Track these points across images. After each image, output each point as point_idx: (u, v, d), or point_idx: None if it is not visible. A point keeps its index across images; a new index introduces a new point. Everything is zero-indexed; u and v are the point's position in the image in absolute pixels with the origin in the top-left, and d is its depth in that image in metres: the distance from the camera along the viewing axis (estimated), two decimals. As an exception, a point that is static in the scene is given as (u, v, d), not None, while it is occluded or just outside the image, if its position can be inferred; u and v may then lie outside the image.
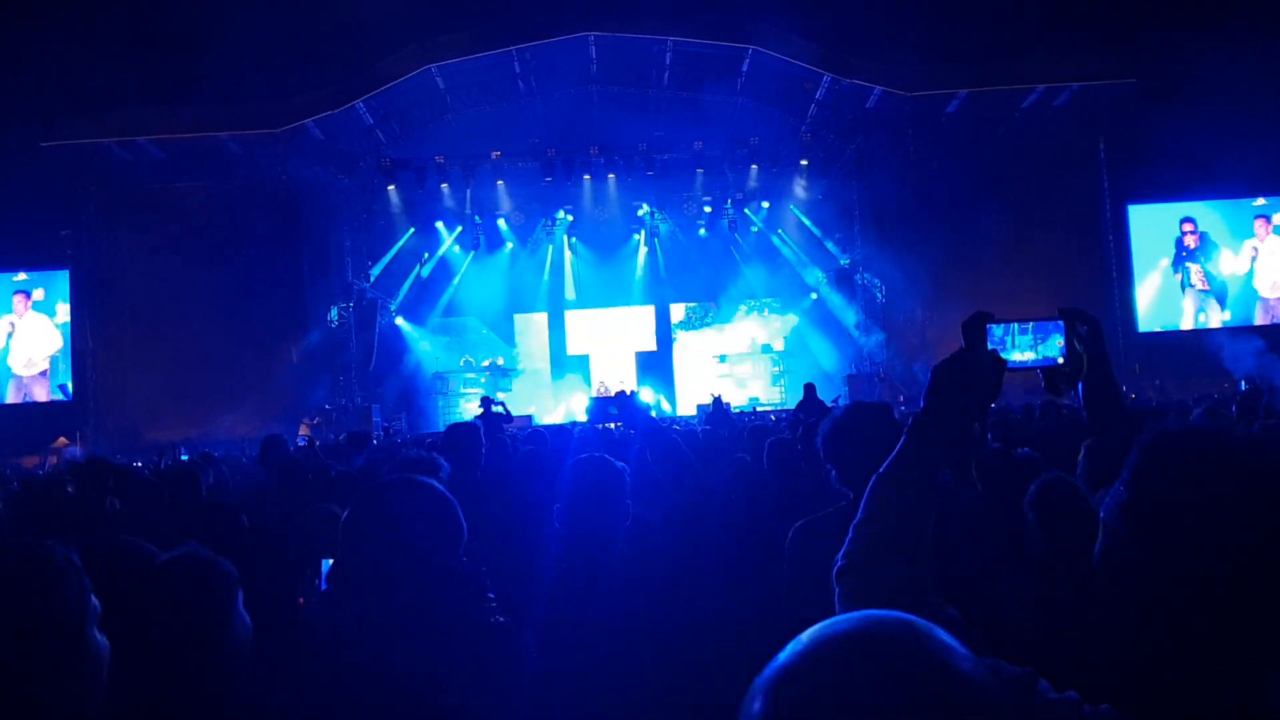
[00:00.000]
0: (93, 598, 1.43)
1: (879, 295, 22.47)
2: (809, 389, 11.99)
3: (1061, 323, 1.66)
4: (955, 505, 2.46)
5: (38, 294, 22.03)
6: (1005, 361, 1.56)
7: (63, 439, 19.51)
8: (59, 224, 21.64)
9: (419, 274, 23.79)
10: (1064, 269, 22.63)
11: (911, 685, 0.78)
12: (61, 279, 22.05)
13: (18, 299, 21.98)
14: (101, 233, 21.82)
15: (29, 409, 21.48)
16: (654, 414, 3.30)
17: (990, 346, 1.58)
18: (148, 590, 1.96)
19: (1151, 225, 23.06)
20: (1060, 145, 22.32)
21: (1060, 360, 1.65)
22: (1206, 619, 0.98)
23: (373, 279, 23.03)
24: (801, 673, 0.81)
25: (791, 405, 14.97)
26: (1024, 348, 1.63)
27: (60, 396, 21.48)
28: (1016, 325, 1.63)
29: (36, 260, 22.07)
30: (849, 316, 23.04)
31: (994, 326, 1.60)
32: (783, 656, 0.83)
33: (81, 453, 16.81)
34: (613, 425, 11.03)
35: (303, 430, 17.41)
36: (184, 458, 11.32)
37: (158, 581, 1.98)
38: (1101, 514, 1.10)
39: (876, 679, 0.78)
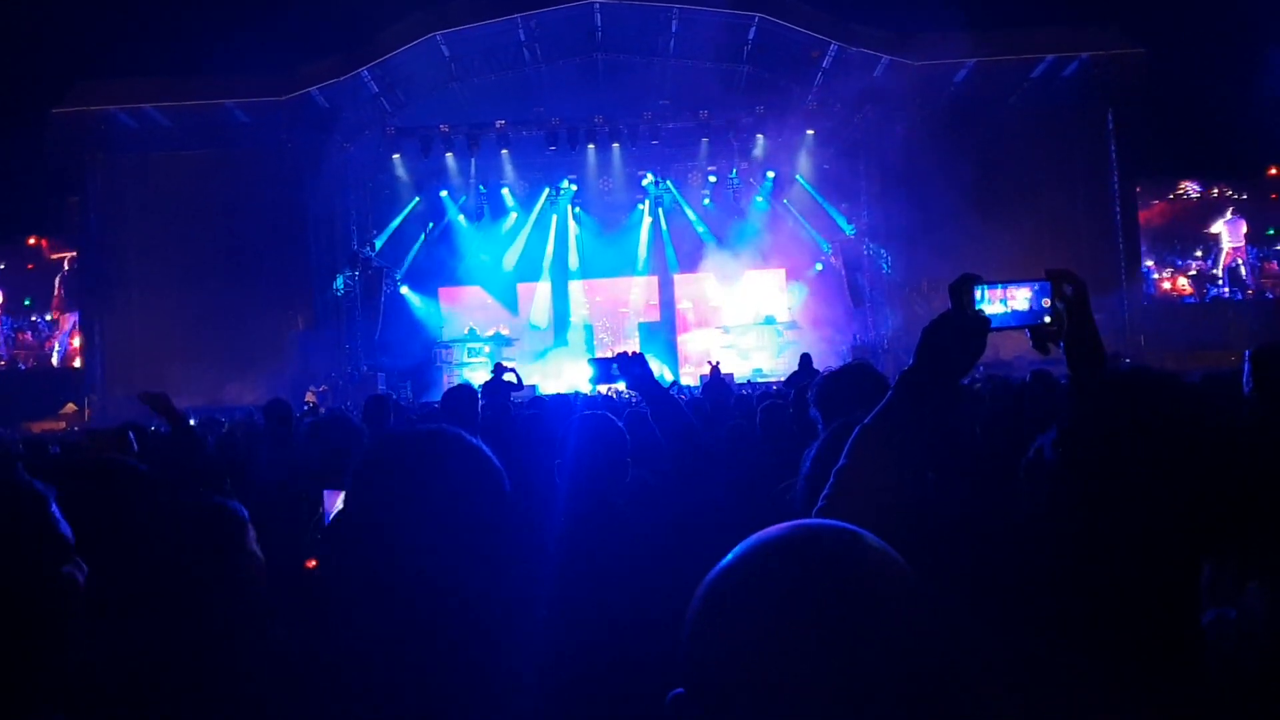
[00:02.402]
0: (63, 530, 1.39)
1: (885, 266, 22.44)
2: (804, 359, 12.04)
3: (1048, 283, 1.71)
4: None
5: None
6: (990, 321, 1.62)
7: (71, 405, 19.64)
8: (68, 191, 21.69)
9: (424, 243, 23.81)
10: (1071, 240, 22.56)
11: (845, 577, 0.81)
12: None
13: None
14: (109, 200, 21.85)
15: (35, 375, 21.60)
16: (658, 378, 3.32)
17: (977, 307, 1.64)
18: (162, 530, 2.04)
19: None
20: (1068, 116, 22.21)
21: (1046, 320, 1.70)
22: (1120, 544, 1.03)
23: (378, 248, 23.06)
24: (739, 571, 0.85)
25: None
26: (1010, 307, 1.69)
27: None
28: (1002, 285, 1.69)
29: (46, 227, 22.13)
30: (855, 287, 23.02)
31: (981, 287, 1.66)
32: (724, 560, 0.87)
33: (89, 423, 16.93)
34: (614, 392, 11.07)
35: (309, 398, 17.49)
36: (191, 423, 11.38)
37: (171, 521, 2.06)
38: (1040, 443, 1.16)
39: (813, 573, 0.81)
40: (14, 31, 17.56)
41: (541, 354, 24.01)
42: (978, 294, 1.66)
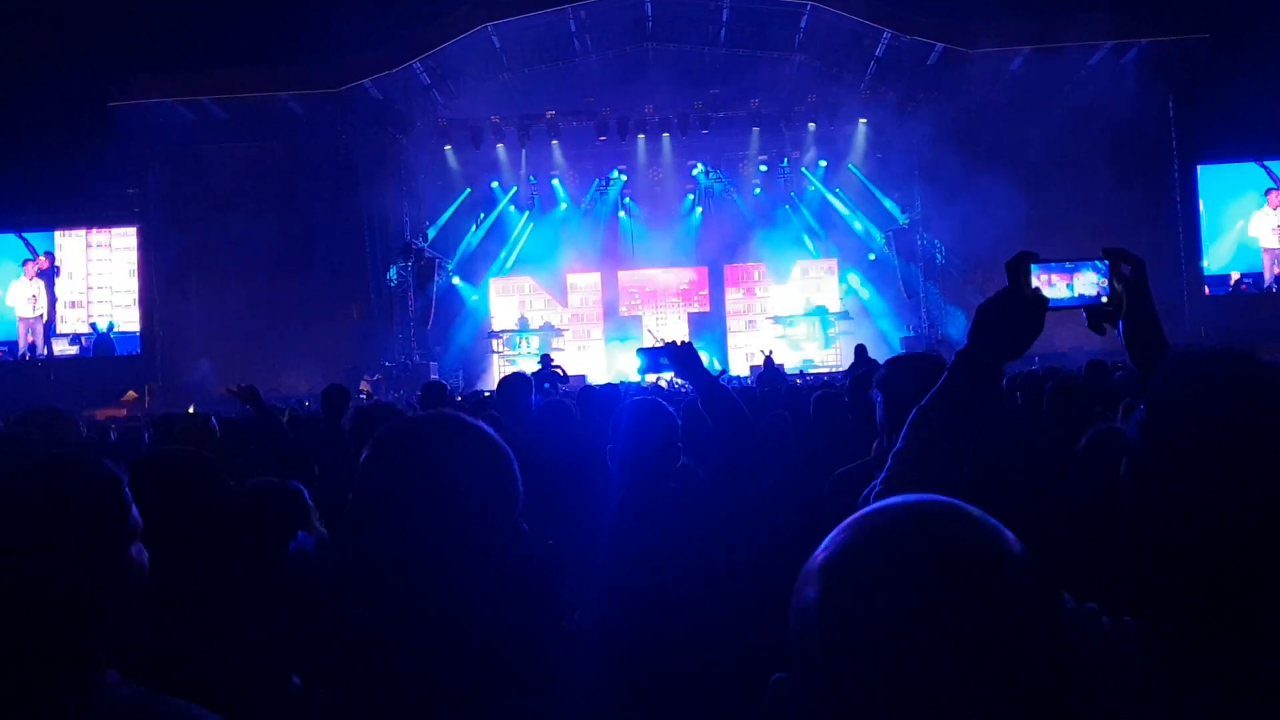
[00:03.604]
0: (134, 513, 1.44)
1: (939, 256, 22.18)
2: (859, 350, 11.94)
3: (1105, 262, 1.67)
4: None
5: (42, 262, 22.56)
6: (1047, 300, 1.59)
7: (131, 393, 20.06)
8: (127, 182, 22.13)
9: (475, 233, 23.97)
10: (1130, 229, 22.10)
11: (966, 559, 0.79)
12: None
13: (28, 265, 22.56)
14: (167, 191, 22.25)
15: (96, 363, 22.09)
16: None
17: (1034, 286, 1.61)
18: (225, 514, 2.10)
19: (1223, 185, 22.45)
20: (1127, 103, 21.74)
21: (1104, 300, 1.66)
22: (1219, 533, 1.00)
23: (430, 238, 23.26)
24: (859, 550, 0.82)
25: (845, 368, 14.90)
26: (1068, 287, 1.65)
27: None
28: (1061, 265, 1.65)
29: (105, 218, 22.61)
30: (908, 277, 22.78)
31: (1038, 266, 1.62)
32: (834, 540, 0.84)
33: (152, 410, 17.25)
34: (663, 381, 11.07)
35: (363, 387, 17.71)
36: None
37: (235, 504, 2.11)
38: (1127, 433, 1.13)
39: (933, 552, 0.79)
40: (73, 25, 17.93)
41: (590, 344, 24.06)
42: (1043, 277, 1.62)
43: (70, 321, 22.60)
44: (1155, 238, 22.01)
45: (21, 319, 22.35)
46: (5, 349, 22.31)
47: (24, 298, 22.42)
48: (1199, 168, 22.35)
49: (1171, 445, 1.04)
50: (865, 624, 0.77)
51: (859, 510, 0.86)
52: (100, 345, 22.50)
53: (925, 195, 22.25)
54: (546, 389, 11.16)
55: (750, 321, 24.44)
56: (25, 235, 22.44)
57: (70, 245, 22.70)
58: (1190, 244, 22.26)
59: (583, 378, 18.43)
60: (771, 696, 0.84)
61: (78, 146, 20.35)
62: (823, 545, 0.84)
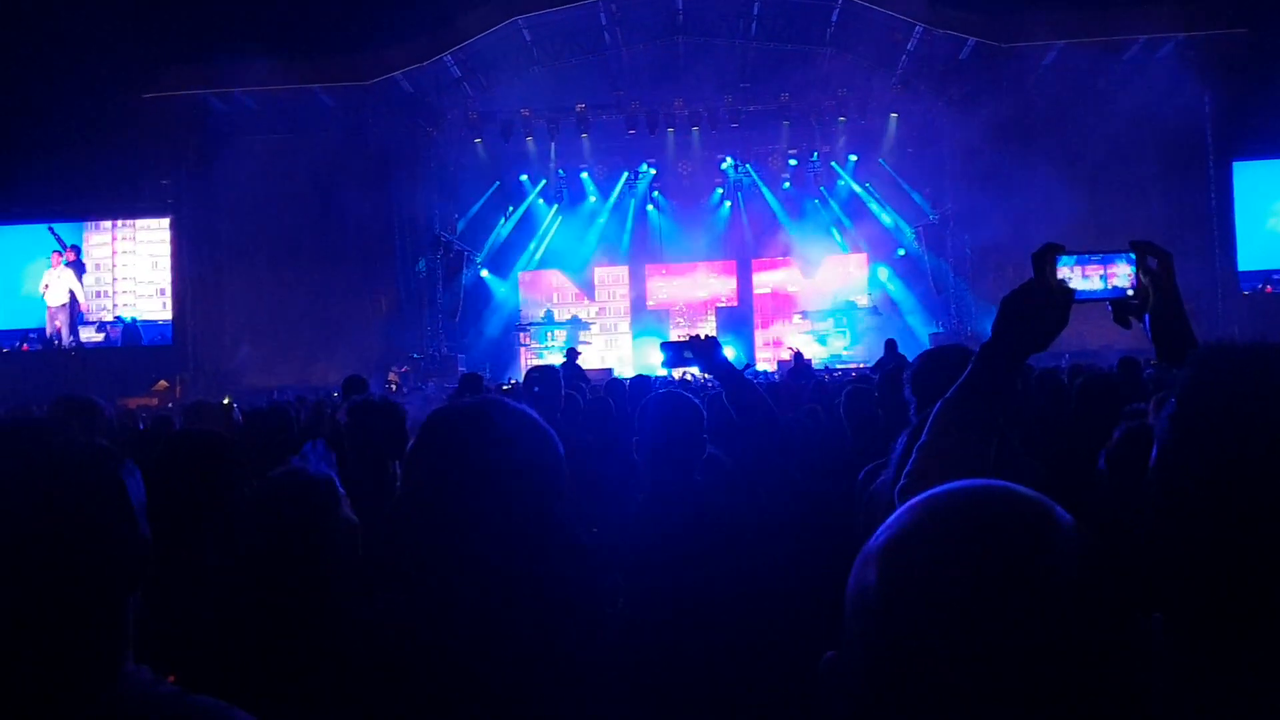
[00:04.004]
0: (133, 491, 1.37)
1: (969, 251, 22.01)
2: (890, 344, 11.86)
3: (1132, 255, 1.65)
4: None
5: (69, 255, 22.84)
6: (1073, 292, 1.57)
7: (163, 382, 20.27)
8: (160, 173, 22.35)
9: (504, 226, 24.05)
10: (1164, 227, 21.85)
11: (1029, 541, 0.79)
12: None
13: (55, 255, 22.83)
14: (199, 182, 22.45)
15: (126, 353, 22.33)
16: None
17: (1060, 278, 1.59)
18: (258, 504, 2.13)
19: (1259, 182, 22.13)
20: (1163, 98, 21.46)
21: (1130, 292, 1.64)
22: (1252, 527, 0.99)
23: (459, 231, 23.35)
24: (918, 535, 0.82)
25: (873, 363, 14.83)
26: (1094, 279, 1.63)
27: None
28: (1087, 257, 1.63)
29: (138, 208, 22.84)
30: (938, 273, 22.64)
31: (1064, 258, 1.61)
32: (895, 523, 0.85)
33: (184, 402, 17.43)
34: (690, 376, 11.07)
35: (391, 378, 17.81)
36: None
37: (265, 494, 2.13)
38: (1155, 428, 1.12)
39: (995, 534, 0.79)
40: (106, 18, 18.09)
41: (617, 338, 24.09)
42: (1074, 270, 1.61)
43: (97, 311, 22.86)
44: (1189, 233, 21.72)
45: (51, 308, 22.64)
46: (35, 336, 22.61)
47: (53, 287, 22.70)
48: (1235, 164, 22.03)
49: (1201, 438, 1.03)
50: (927, 604, 0.77)
51: (895, 503, 0.87)
52: (128, 334, 22.74)
53: (956, 190, 22.07)
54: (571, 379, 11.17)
55: (778, 316, 24.38)
56: (55, 227, 22.70)
57: (97, 237, 22.94)
58: (1225, 241, 21.96)
59: (609, 371, 18.47)
60: (824, 675, 0.84)
61: (111, 138, 20.56)
62: (883, 527, 0.85)
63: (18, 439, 1.34)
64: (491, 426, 1.63)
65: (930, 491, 0.86)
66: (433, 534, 1.58)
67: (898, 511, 0.86)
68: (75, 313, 22.69)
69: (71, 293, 22.60)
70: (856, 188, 23.41)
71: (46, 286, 22.50)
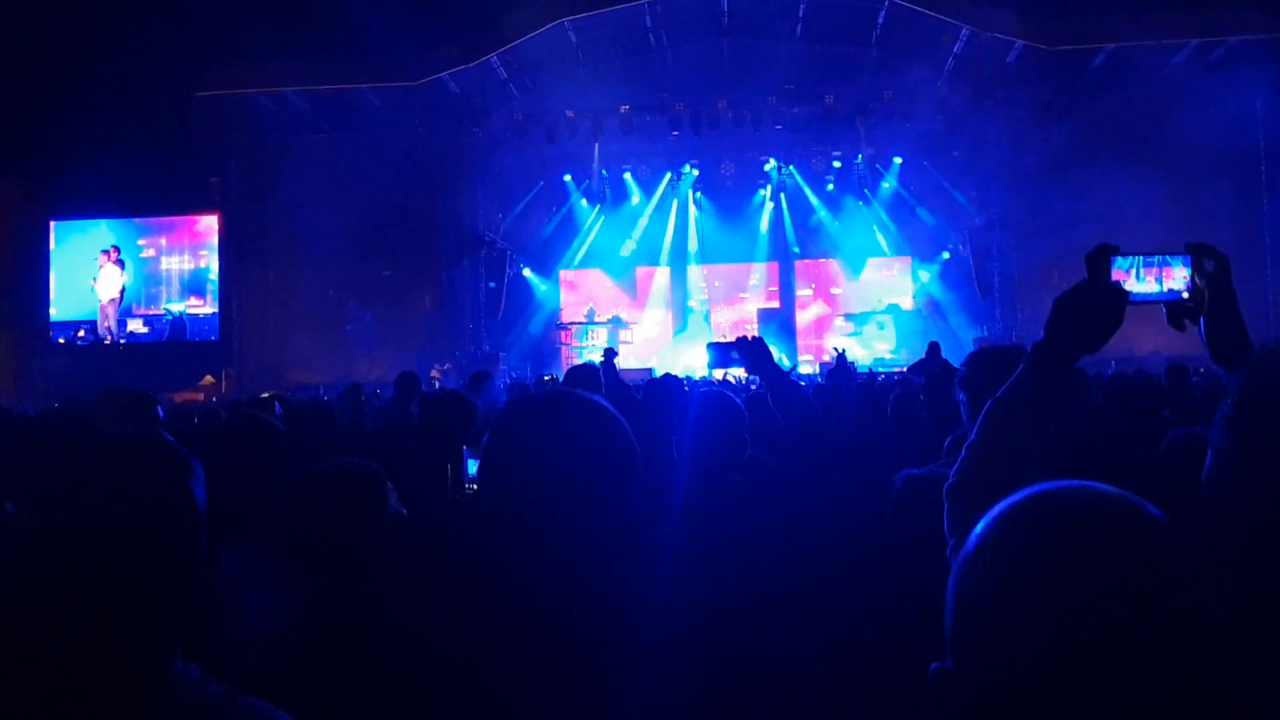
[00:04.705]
0: (199, 493, 1.40)
1: (1015, 255, 21.75)
2: (932, 347, 11.74)
3: (1188, 257, 1.63)
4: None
5: (114, 253, 23.25)
6: (1128, 294, 1.56)
7: (209, 377, 20.58)
8: (209, 171, 22.69)
9: (547, 226, 24.16)
10: (1216, 233, 21.43)
11: (1141, 544, 0.80)
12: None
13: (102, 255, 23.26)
14: (248, 181, 22.76)
15: (173, 347, 22.68)
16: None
17: (1114, 279, 1.58)
18: (303, 495, 2.15)
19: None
20: (1214, 103, 21.05)
21: (1185, 295, 1.62)
22: None
23: (503, 230, 23.49)
24: (1031, 541, 0.82)
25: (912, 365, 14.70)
26: (1148, 281, 1.62)
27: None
28: (1142, 258, 1.62)
29: (187, 206, 23.21)
30: (983, 276, 22.41)
31: (1119, 259, 1.59)
32: (996, 530, 0.84)
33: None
34: (731, 377, 11.05)
35: (434, 375, 17.95)
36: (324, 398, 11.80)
37: (310, 486, 2.16)
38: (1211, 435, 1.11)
39: (1111, 538, 0.80)
40: (158, 18, 18.39)
41: (658, 338, 24.09)
42: (1130, 271, 1.59)
43: (145, 306, 23.27)
44: (1242, 243, 21.30)
45: (102, 303, 23.08)
46: (87, 329, 23.06)
47: (103, 282, 23.14)
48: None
49: (1258, 441, 1.02)
50: (1049, 609, 0.78)
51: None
52: (174, 329, 23.13)
53: (1001, 194, 21.83)
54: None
55: (820, 318, 24.26)
56: (107, 223, 23.14)
57: (146, 233, 23.34)
58: (1277, 245, 21.53)
59: (649, 371, 18.48)
60: (935, 685, 0.84)
61: (163, 136, 20.92)
62: (981, 534, 0.84)
63: (101, 450, 1.37)
64: (570, 415, 1.63)
65: (1025, 494, 0.85)
66: (508, 526, 1.59)
67: (991, 518, 0.85)
68: (123, 308, 23.11)
69: (122, 289, 23.04)
70: (901, 190, 23.24)
71: (96, 281, 22.95)
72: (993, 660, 0.78)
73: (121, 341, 22.63)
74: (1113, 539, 0.79)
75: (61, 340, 22.73)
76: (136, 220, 23.27)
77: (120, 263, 23.17)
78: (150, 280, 23.33)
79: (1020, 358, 1.97)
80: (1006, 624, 0.78)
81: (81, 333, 22.90)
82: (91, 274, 23.03)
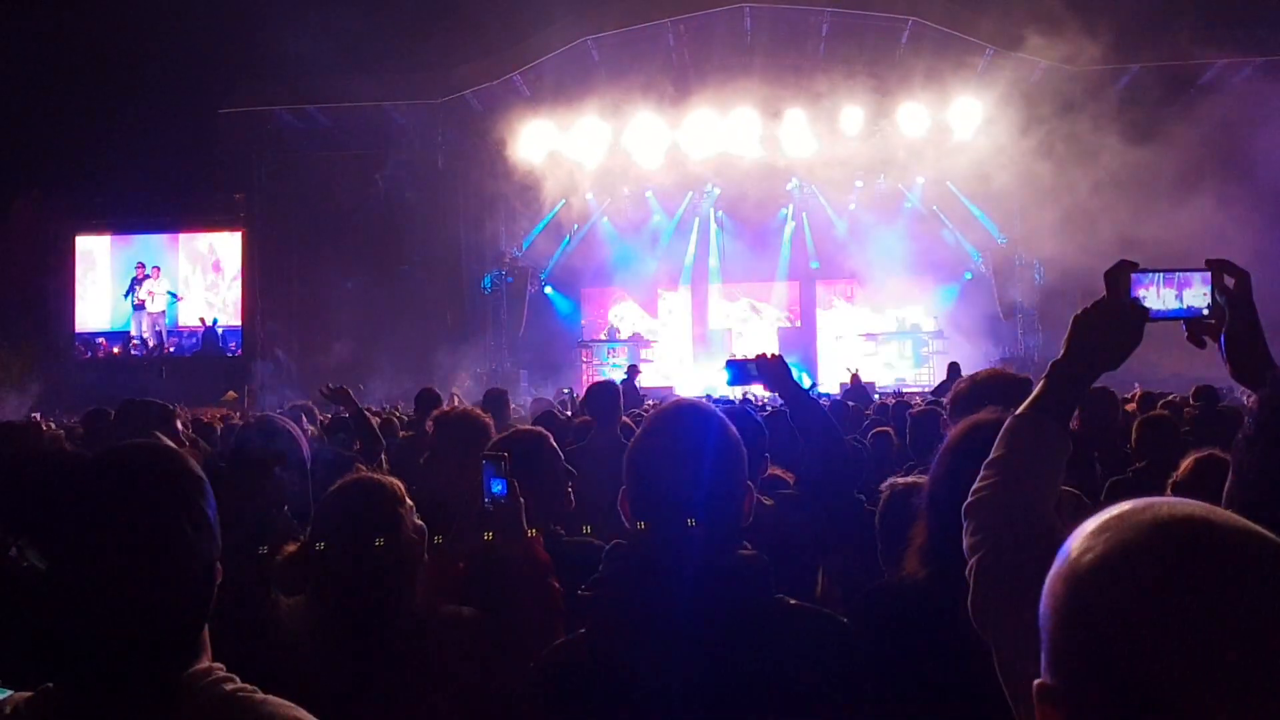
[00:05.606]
0: (209, 506, 1.41)
1: (1038, 277, 21.64)
2: (953, 368, 11.70)
3: (1208, 274, 1.61)
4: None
5: (150, 271, 23.53)
6: (1148, 311, 1.55)
7: (231, 393, 20.69)
8: (234, 187, 22.90)
9: (568, 244, 24.20)
10: (1244, 253, 21.19)
11: (1260, 562, 0.80)
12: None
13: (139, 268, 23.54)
14: (271, 196, 22.95)
15: (204, 361, 22.86)
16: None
17: (1133, 296, 1.56)
18: (325, 509, 2.17)
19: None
20: (1239, 123, 20.88)
21: (1205, 312, 1.61)
22: None
23: (524, 248, 23.56)
24: (1145, 560, 0.81)
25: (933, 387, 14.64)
26: (1169, 298, 1.60)
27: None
28: (1162, 275, 1.60)
29: (212, 221, 23.43)
30: (1005, 297, 22.28)
31: (1139, 276, 1.58)
32: (1105, 546, 0.82)
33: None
34: (751, 395, 11.02)
35: (454, 392, 17.98)
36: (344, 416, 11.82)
37: (333, 499, 2.18)
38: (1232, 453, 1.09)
39: (1228, 557, 0.80)
40: (184, 36, 18.64)
41: (679, 358, 24.08)
42: (1149, 288, 1.58)
43: (174, 320, 23.53)
44: (1270, 264, 21.00)
45: (135, 315, 23.35)
46: (112, 340, 23.33)
47: (146, 296, 23.43)
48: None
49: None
50: (1170, 626, 0.77)
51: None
52: (208, 339, 23.35)
53: (1025, 214, 21.73)
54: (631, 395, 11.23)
55: (841, 338, 24.18)
56: (138, 238, 23.45)
57: (171, 249, 23.61)
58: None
59: (671, 390, 18.47)
60: (1043, 701, 0.83)
61: (188, 152, 21.16)
62: (1082, 548, 0.83)
63: (103, 462, 1.40)
64: (707, 427, 1.81)
65: (1128, 507, 0.84)
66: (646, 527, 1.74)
67: (1093, 531, 0.84)
68: (160, 322, 23.40)
69: (153, 302, 23.32)
70: (923, 210, 23.17)
71: (134, 294, 23.25)
72: (1125, 681, 0.78)
73: (154, 355, 22.86)
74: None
75: (87, 355, 22.97)
76: (164, 235, 23.53)
77: (148, 279, 23.44)
78: (181, 295, 23.60)
79: (1010, 382, 1.95)
80: (1154, 647, 0.77)
81: (113, 347, 23.17)
82: (123, 288, 23.30)
